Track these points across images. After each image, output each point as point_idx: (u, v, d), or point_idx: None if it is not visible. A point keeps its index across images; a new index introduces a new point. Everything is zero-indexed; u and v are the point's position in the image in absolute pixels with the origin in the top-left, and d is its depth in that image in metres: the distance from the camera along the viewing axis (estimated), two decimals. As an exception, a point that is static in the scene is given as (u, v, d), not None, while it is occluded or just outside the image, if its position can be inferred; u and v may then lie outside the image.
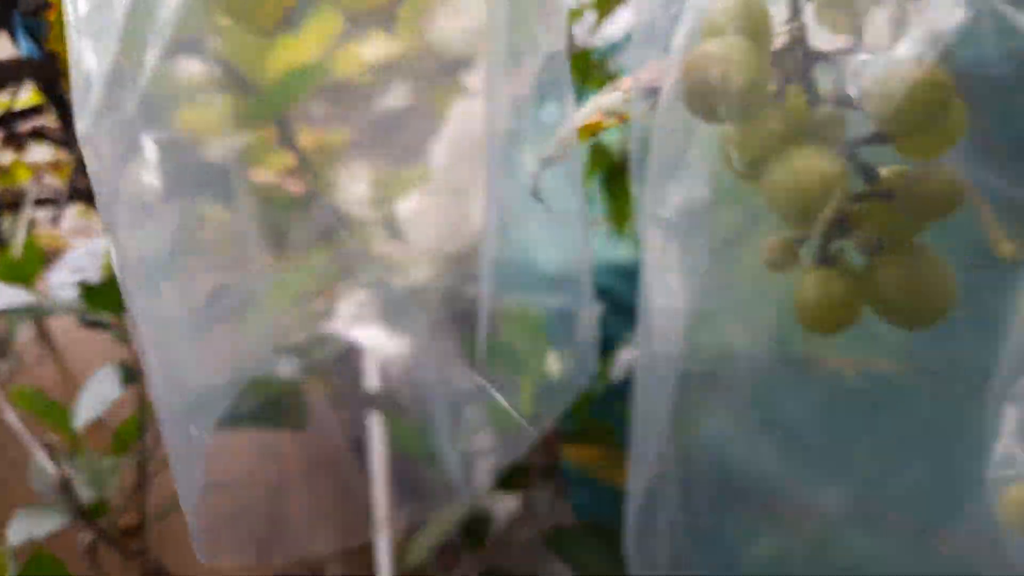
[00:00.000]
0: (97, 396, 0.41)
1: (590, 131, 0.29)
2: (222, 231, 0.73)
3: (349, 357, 2.30)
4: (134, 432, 0.68)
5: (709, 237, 0.22)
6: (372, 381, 1.86)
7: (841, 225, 0.21)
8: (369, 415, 2.08)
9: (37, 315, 0.45)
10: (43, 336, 1.05)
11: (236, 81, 0.65)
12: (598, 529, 0.90)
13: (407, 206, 1.49)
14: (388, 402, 1.08)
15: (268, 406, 0.52)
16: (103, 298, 0.41)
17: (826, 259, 0.22)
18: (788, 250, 0.21)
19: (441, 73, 0.54)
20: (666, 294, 0.22)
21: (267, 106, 0.62)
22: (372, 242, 1.31)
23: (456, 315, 1.67)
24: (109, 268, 0.41)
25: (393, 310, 1.50)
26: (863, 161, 0.21)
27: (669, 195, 0.22)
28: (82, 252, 0.52)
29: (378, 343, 1.67)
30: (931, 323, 0.21)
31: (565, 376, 0.97)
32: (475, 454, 1.47)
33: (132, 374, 0.43)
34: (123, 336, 0.46)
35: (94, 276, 0.45)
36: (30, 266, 0.56)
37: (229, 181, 0.60)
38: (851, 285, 0.21)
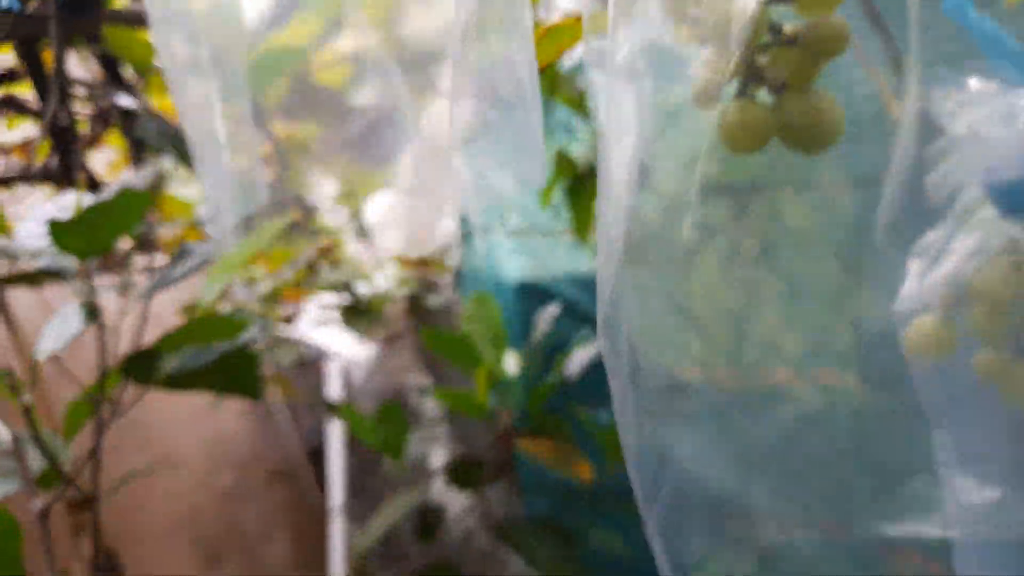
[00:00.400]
0: (60, 331, 0.41)
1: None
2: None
3: (311, 365, 2.27)
4: (86, 408, 0.68)
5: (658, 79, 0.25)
6: (334, 388, 1.85)
7: (754, 69, 0.26)
8: (329, 422, 2.06)
9: (6, 257, 0.45)
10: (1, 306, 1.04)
11: (218, 62, 0.66)
12: (551, 525, 0.91)
13: (375, 209, 1.50)
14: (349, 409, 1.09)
15: (225, 369, 0.52)
16: (71, 237, 0.42)
17: (744, 94, 0.26)
18: (714, 88, 0.25)
19: (412, 68, 0.56)
20: (619, 149, 0.24)
21: (244, 84, 0.63)
22: (341, 242, 1.32)
23: (417, 320, 1.68)
24: (79, 212, 0.41)
25: (356, 316, 1.50)
26: (772, 19, 0.25)
27: (622, 41, 0.24)
28: (51, 207, 0.53)
29: (340, 348, 1.66)
30: (825, 147, 0.26)
31: (520, 374, 0.98)
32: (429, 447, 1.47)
33: (94, 313, 0.43)
34: (87, 282, 0.47)
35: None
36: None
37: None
38: (764, 113, 0.26)
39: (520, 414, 0.98)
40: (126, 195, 0.40)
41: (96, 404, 0.50)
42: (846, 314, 0.32)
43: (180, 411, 2.54)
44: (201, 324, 0.43)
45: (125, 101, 0.59)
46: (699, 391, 0.33)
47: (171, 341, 0.45)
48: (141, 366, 0.52)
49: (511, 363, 1.01)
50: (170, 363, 0.51)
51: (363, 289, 1.48)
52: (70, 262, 0.48)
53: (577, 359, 0.97)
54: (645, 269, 0.29)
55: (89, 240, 0.44)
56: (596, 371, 1.20)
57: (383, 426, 0.91)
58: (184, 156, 0.55)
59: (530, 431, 0.94)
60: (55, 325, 0.42)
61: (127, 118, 0.70)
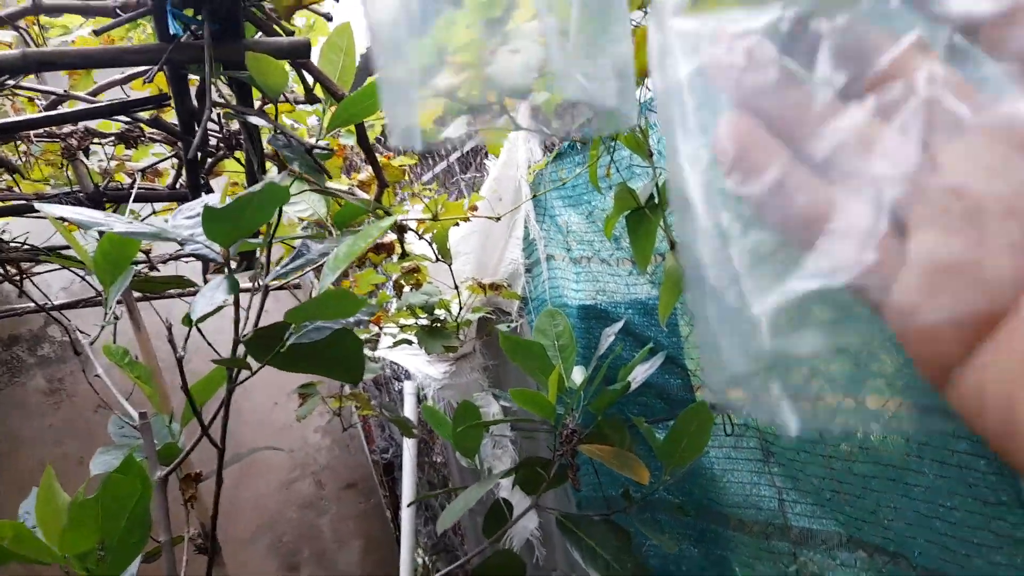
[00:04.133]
0: (209, 298, 0.46)
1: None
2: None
3: (387, 383, 2.31)
4: (219, 379, 0.74)
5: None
6: (408, 405, 1.88)
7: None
8: (402, 438, 2.09)
9: (162, 239, 0.50)
10: (131, 310, 1.12)
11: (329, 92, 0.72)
12: (608, 522, 0.92)
13: (454, 236, 1.55)
14: (430, 408, 1.12)
15: (334, 350, 0.56)
16: (219, 223, 0.47)
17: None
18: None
19: (496, 106, 0.60)
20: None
21: (345, 112, 0.69)
22: (424, 267, 1.37)
23: (486, 341, 1.71)
24: (228, 202, 0.46)
25: (432, 337, 1.54)
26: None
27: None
28: (197, 203, 0.58)
29: (415, 367, 1.70)
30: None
31: (584, 384, 1.01)
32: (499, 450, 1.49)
33: (236, 286, 0.48)
34: (226, 267, 0.52)
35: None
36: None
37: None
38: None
39: (582, 421, 1.01)
40: (270, 187, 0.45)
41: (230, 371, 0.55)
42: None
43: (272, 421, 2.62)
44: (325, 297, 0.47)
45: (255, 119, 0.64)
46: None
47: (296, 313, 0.49)
48: (263, 342, 0.57)
49: (576, 374, 1.04)
50: (289, 340, 0.56)
51: (439, 311, 1.51)
52: (215, 249, 0.53)
53: (637, 373, 0.99)
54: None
55: (234, 226, 0.49)
56: (650, 390, 1.22)
57: (459, 424, 0.94)
58: (309, 168, 0.60)
59: (593, 437, 0.96)
60: (205, 294, 0.47)
61: (252, 138, 0.76)
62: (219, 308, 0.48)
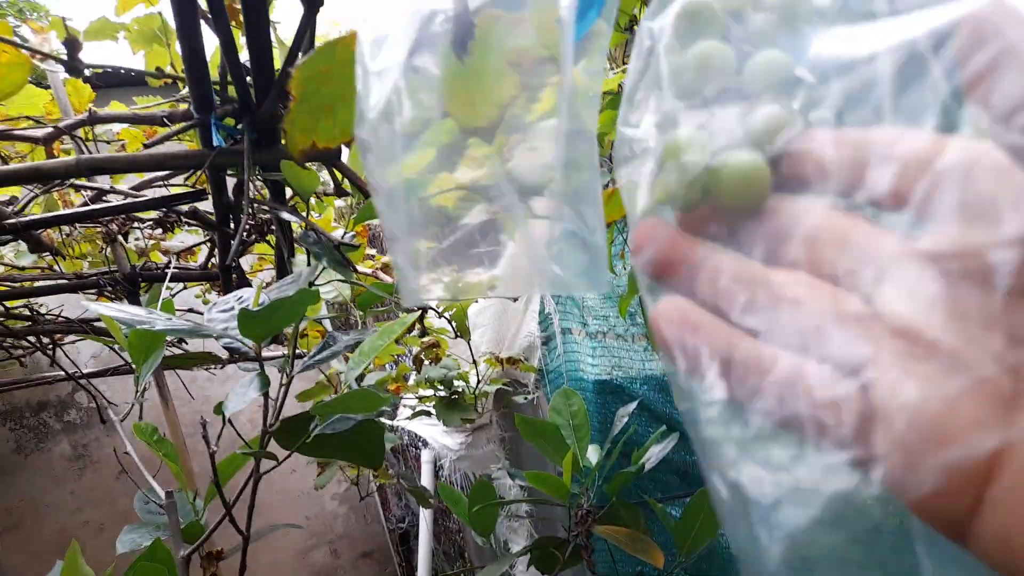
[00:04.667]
0: (243, 395, 0.49)
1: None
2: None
3: (403, 452, 2.32)
4: (240, 460, 0.76)
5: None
6: (425, 475, 1.89)
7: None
8: (418, 508, 2.08)
9: (199, 336, 0.53)
10: (160, 386, 1.15)
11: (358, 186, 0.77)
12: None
13: (472, 313, 1.58)
14: (445, 486, 1.13)
15: (357, 438, 0.58)
16: (254, 323, 0.50)
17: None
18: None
19: (514, 196, 0.63)
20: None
21: (372, 208, 0.73)
22: (445, 342, 1.40)
23: (503, 413, 1.72)
24: (264, 305, 0.50)
25: (450, 408, 1.56)
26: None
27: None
28: (231, 297, 0.62)
29: (432, 437, 1.71)
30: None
31: (599, 464, 1.01)
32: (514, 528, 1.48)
33: (266, 383, 0.51)
34: (257, 361, 0.55)
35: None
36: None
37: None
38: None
39: (597, 501, 1.01)
40: (303, 294, 0.48)
41: (256, 459, 0.58)
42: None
43: (289, 488, 2.63)
44: (351, 395, 0.50)
45: (287, 215, 0.68)
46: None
47: (324, 408, 0.52)
48: (290, 431, 0.59)
49: (591, 453, 1.05)
50: (315, 430, 0.58)
51: (458, 384, 1.53)
52: (248, 344, 0.56)
53: (652, 453, 1.00)
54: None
55: (266, 326, 0.52)
56: (666, 466, 1.22)
57: (475, 503, 0.95)
58: (336, 263, 0.64)
59: (607, 517, 0.97)
60: (238, 391, 0.50)
61: (283, 229, 0.80)
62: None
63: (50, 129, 0.66)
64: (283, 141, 0.70)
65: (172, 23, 0.67)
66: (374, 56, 0.32)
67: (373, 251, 1.31)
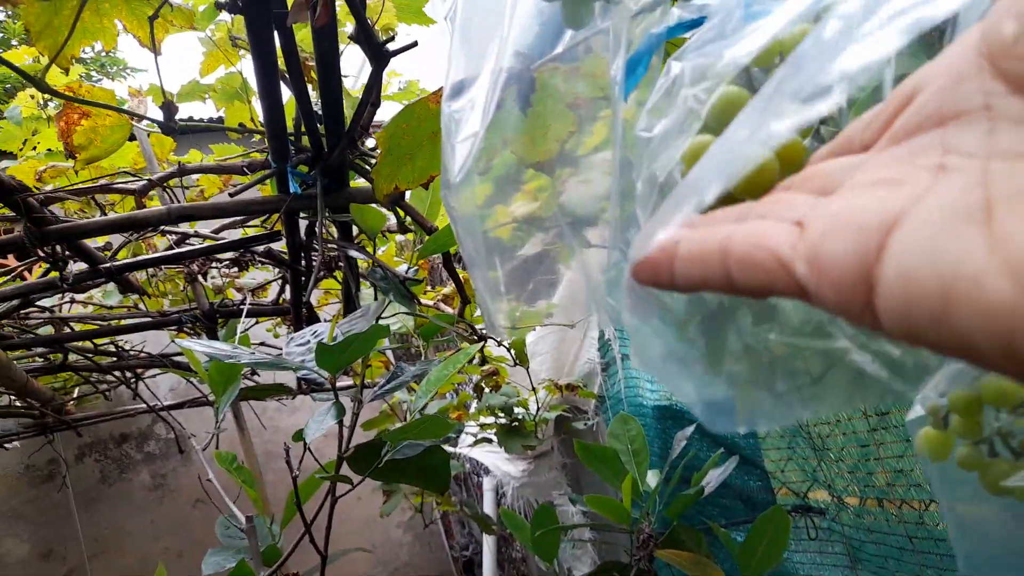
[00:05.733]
0: (320, 423, 0.52)
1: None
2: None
3: (466, 480, 2.35)
4: (315, 485, 0.80)
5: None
6: (488, 502, 1.91)
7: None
8: (482, 535, 2.10)
9: (280, 368, 0.58)
10: (236, 416, 1.21)
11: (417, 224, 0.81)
12: (688, 630, 0.92)
13: (532, 340, 1.61)
14: (508, 512, 1.15)
15: (425, 464, 0.61)
16: (330, 356, 0.54)
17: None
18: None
19: (569, 227, 0.66)
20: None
21: (433, 244, 0.77)
22: (504, 370, 1.43)
23: (564, 439, 1.74)
24: (339, 340, 0.54)
25: (511, 435, 1.58)
26: None
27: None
28: (307, 332, 0.66)
29: (495, 465, 1.74)
30: None
31: (659, 488, 1.02)
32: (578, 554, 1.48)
33: (342, 411, 0.54)
34: (332, 391, 0.59)
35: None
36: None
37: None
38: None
39: (659, 525, 1.02)
40: (375, 329, 0.52)
41: (332, 483, 0.61)
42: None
43: (355, 517, 2.68)
44: (422, 422, 0.53)
45: (355, 253, 0.73)
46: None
47: (395, 434, 0.55)
48: (363, 457, 0.63)
49: (651, 478, 1.06)
50: (386, 456, 0.61)
51: (518, 411, 1.55)
52: (323, 375, 0.60)
53: (711, 476, 1.01)
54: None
55: (341, 359, 0.56)
56: (729, 491, 1.22)
57: (537, 529, 0.97)
58: (401, 297, 0.68)
59: (669, 541, 0.97)
60: (317, 419, 0.54)
61: (351, 266, 0.85)
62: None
63: (144, 182, 0.73)
64: (351, 184, 0.75)
65: (251, 81, 0.72)
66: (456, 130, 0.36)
67: (428, 287, 1.36)
